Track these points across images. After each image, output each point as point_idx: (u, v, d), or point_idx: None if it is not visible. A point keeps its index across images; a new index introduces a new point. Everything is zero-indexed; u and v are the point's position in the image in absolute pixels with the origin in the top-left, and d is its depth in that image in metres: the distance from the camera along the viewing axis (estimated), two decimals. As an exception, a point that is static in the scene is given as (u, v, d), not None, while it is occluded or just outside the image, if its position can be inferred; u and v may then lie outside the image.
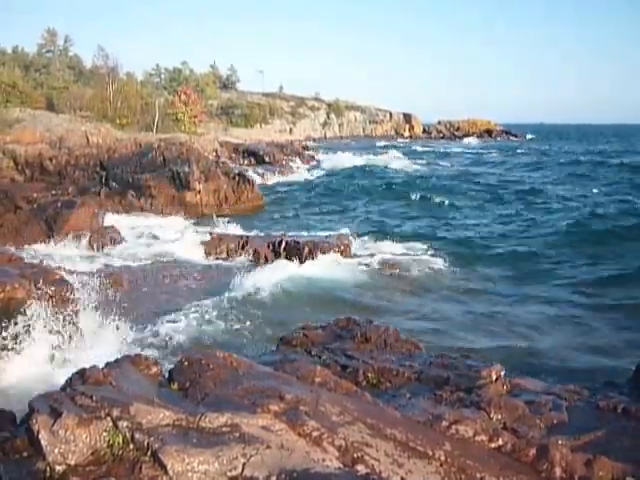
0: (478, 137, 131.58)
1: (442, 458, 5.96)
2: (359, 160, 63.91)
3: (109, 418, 4.95)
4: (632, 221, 28.00)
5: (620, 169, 56.21)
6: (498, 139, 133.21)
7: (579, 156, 76.50)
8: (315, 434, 5.50)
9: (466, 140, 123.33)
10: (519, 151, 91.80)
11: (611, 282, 19.29)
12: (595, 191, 41.64)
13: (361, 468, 5.26)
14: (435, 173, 54.94)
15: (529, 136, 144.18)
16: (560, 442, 6.82)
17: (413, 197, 38.68)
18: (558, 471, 6.29)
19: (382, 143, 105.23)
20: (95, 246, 22.01)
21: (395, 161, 66.77)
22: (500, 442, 6.71)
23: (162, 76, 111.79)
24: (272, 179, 48.37)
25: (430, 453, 5.97)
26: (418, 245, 23.50)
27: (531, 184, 45.76)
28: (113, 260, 20.69)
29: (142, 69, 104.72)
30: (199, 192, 32.39)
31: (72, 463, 4.62)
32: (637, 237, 24.98)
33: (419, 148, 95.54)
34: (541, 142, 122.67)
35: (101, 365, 6.42)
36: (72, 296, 12.20)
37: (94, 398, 5.19)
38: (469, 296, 17.94)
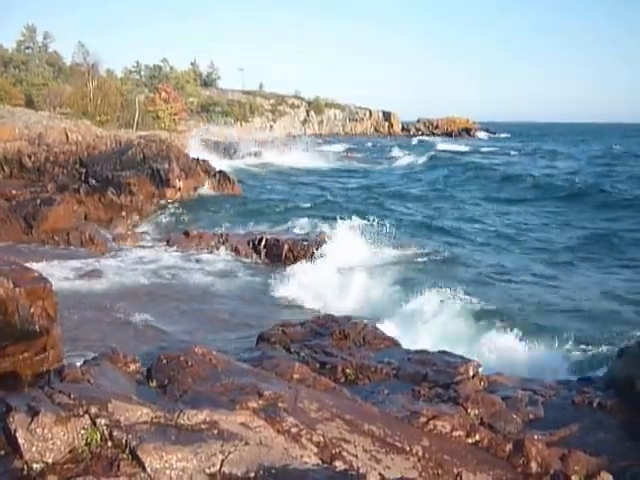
0: (456, 136, 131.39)
1: (420, 453, 6.00)
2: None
3: (87, 416, 4.93)
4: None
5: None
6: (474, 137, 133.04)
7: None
8: (294, 430, 5.52)
9: (414, 139, 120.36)
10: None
11: (587, 278, 19.57)
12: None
13: (339, 464, 5.28)
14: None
15: (485, 135, 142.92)
16: (536, 437, 6.90)
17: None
18: (534, 466, 6.37)
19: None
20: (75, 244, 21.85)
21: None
22: (477, 437, 6.77)
23: (142, 73, 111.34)
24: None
25: (408, 448, 6.01)
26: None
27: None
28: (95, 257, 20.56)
29: (122, 66, 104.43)
30: (179, 189, 32.32)
31: (50, 461, 4.60)
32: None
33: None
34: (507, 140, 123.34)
35: (79, 363, 6.42)
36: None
37: (72, 396, 5.17)
38: (444, 294, 17.99)
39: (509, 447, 6.62)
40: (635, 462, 7.06)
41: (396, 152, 79.40)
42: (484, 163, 60.83)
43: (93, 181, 31.91)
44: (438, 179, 50.91)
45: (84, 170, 33.32)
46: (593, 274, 21.02)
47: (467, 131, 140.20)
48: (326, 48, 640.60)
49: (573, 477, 6.16)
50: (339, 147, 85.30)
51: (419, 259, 21.56)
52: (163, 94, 63.53)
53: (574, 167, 60.52)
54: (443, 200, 39.09)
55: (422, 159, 67.22)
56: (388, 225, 23.18)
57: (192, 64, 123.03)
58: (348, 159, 71.39)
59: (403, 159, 71.08)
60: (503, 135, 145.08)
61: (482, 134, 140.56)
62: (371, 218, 24.30)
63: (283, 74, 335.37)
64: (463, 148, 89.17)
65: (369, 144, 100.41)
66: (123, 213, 29.55)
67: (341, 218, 23.98)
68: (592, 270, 21.63)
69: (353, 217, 24.71)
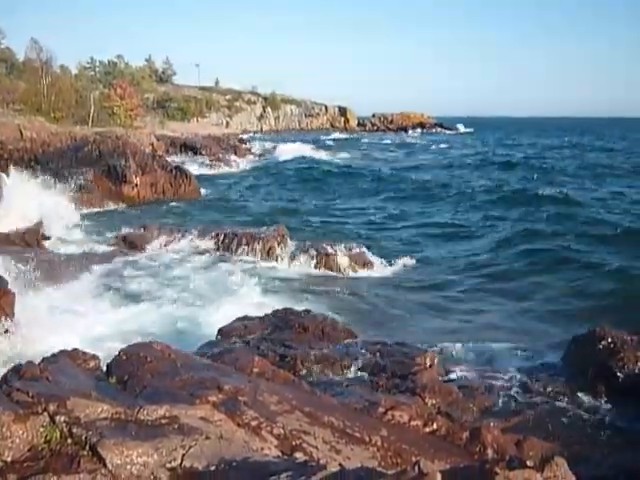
0: (397, 132, 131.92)
1: (379, 443, 6.08)
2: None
3: (46, 413, 4.91)
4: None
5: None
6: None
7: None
8: (254, 424, 5.56)
9: (333, 135, 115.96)
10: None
11: (540, 266, 19.93)
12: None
13: (300, 455, 5.33)
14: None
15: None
16: (492, 424, 7.03)
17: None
18: (490, 452, 6.49)
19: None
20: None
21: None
22: (434, 426, 6.88)
23: (97, 69, 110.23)
24: (209, 172, 48.32)
25: (367, 439, 6.09)
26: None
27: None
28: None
29: (77, 62, 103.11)
30: (137, 185, 32.14)
31: (9, 460, 4.57)
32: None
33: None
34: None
35: (37, 360, 6.38)
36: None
37: (30, 394, 5.15)
38: (402, 288, 18.14)
39: (466, 435, 6.74)
40: (587, 446, 7.26)
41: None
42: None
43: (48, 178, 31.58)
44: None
45: (39, 167, 32.95)
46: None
47: (421, 126, 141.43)
48: (282, 44, 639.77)
49: (528, 462, 6.27)
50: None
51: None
52: (118, 90, 62.91)
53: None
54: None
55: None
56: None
57: (147, 60, 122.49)
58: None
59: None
60: (464, 130, 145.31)
61: (419, 130, 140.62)
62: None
63: (239, 70, 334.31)
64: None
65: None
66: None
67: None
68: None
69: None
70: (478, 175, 47.01)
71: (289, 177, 46.67)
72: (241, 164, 56.33)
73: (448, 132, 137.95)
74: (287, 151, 66.11)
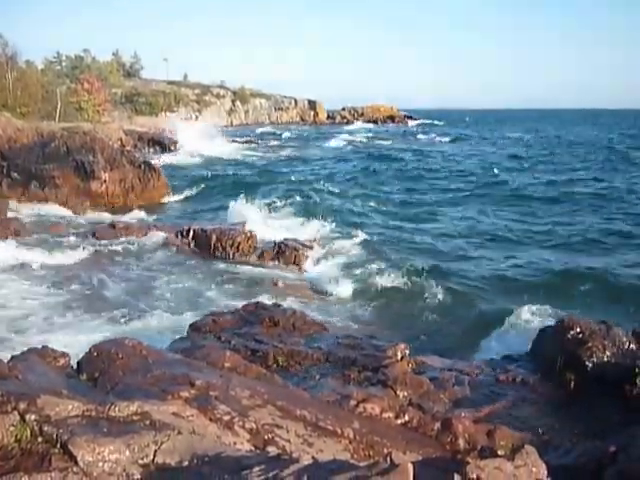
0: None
1: (351, 436, 6.12)
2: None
3: (16, 412, 4.87)
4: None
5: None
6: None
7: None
8: (226, 418, 5.56)
9: (259, 129, 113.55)
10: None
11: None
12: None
13: (272, 449, 5.34)
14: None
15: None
16: (463, 415, 7.09)
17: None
18: (461, 442, 6.55)
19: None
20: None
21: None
22: (406, 418, 6.93)
23: (63, 64, 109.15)
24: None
25: (339, 431, 6.12)
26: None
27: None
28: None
29: (43, 56, 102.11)
30: (105, 181, 31.85)
31: (-21, 459, 4.56)
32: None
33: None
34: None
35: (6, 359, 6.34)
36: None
37: (0, 392, 5.12)
38: (367, 280, 18.20)
39: (437, 426, 6.80)
40: (557, 435, 7.35)
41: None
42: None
43: (15, 174, 31.31)
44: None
45: (6, 164, 32.60)
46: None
47: (392, 119, 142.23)
48: (251, 38, 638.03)
49: (499, 451, 6.37)
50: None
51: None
52: (85, 85, 62.31)
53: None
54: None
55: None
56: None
57: (114, 54, 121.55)
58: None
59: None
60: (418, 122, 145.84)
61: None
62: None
63: (208, 65, 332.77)
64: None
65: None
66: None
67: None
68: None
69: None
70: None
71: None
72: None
73: (409, 124, 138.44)
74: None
